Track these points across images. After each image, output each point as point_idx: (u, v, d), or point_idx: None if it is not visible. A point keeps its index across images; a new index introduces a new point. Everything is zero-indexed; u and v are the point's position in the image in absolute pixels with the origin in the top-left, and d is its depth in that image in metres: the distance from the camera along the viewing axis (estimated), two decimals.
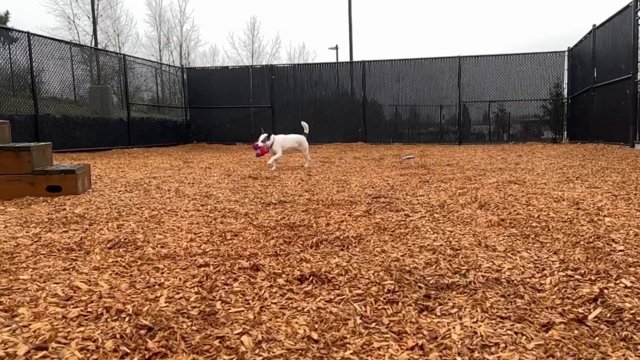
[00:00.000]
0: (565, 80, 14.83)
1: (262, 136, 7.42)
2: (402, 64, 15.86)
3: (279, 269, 2.26)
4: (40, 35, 11.75)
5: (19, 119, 10.62)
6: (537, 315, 1.71)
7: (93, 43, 24.37)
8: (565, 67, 14.69)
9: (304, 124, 8.34)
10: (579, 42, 13.65)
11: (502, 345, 1.48)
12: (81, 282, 2.07)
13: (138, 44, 36.34)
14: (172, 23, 36.90)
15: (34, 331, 1.58)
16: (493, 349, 1.46)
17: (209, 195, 4.64)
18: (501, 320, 1.67)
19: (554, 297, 1.89)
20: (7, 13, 31.19)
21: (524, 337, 1.54)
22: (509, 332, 1.57)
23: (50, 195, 4.50)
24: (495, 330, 1.59)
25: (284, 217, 3.55)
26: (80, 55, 14.20)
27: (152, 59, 27.66)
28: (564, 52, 14.66)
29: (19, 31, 11.18)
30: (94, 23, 22.48)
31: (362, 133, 16.21)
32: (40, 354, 1.43)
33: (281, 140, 7.67)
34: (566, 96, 14.96)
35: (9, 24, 27.91)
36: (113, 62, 15.58)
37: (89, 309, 1.76)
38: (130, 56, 15.74)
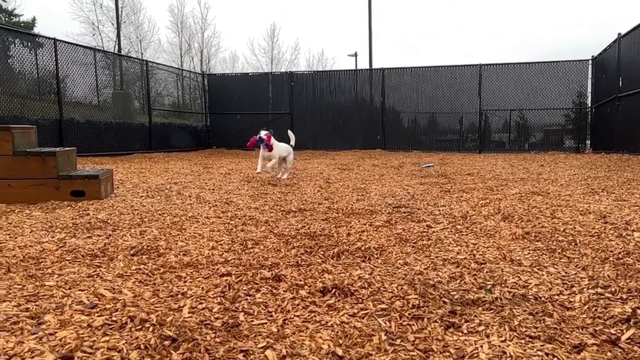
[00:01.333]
0: (589, 89, 14.57)
1: (264, 132, 6.70)
2: (422, 72, 15.79)
3: (300, 280, 2.24)
4: (66, 42, 12.01)
5: (44, 123, 10.84)
6: (567, 336, 1.66)
7: (116, 49, 24.83)
8: (589, 75, 14.43)
9: (291, 134, 7.64)
10: (603, 50, 13.42)
11: None
12: (105, 289, 2.08)
13: (160, 50, 36.82)
14: (193, 29, 37.38)
15: (60, 339, 1.59)
16: None
17: (229, 202, 4.65)
18: (530, 340, 1.63)
19: (584, 316, 1.83)
20: (33, 19, 32.04)
21: (555, 359, 1.49)
22: (539, 352, 1.53)
23: (74, 199, 4.57)
24: (524, 350, 1.54)
25: (304, 226, 3.54)
26: (103, 61, 14.49)
27: (174, 65, 28.09)
28: (588, 60, 14.41)
29: (46, 37, 11.44)
30: (118, 29, 22.90)
31: (381, 140, 16.15)
32: None
33: (281, 148, 7.03)
34: (590, 105, 14.69)
35: (35, 30, 28.62)
36: (135, 68, 15.85)
37: (114, 318, 1.77)
38: (153, 62, 15.99)
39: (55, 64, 11.39)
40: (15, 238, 3.07)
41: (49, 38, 11.38)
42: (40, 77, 11.61)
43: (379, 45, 49.68)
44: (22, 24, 29.33)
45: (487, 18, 58.78)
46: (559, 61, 14.71)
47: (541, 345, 1.58)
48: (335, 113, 16.67)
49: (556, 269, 2.44)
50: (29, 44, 11.48)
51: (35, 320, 1.75)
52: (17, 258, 2.59)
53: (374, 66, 21.57)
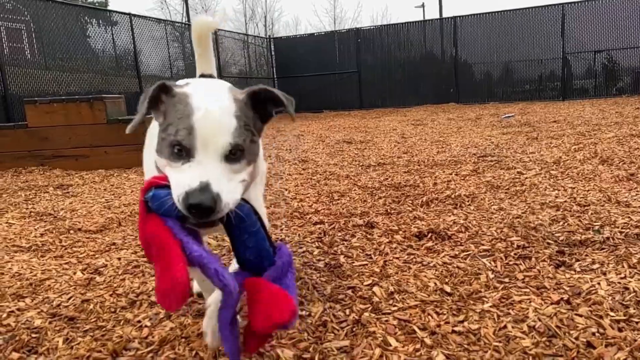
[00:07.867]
0: None
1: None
2: (497, 17, 14.80)
3: (394, 226, 2.24)
4: (140, 15, 12.47)
5: (126, 96, 11.43)
6: None
7: (184, 20, 25.46)
8: None
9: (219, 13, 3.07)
10: None
11: None
12: None
13: (224, 18, 37.34)
14: None
15: None
16: None
17: (307, 160, 4.71)
18: None
19: None
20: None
21: None
22: None
23: None
24: None
25: (387, 178, 3.51)
26: (173, 34, 14.91)
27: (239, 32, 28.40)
28: None
29: (122, 13, 11.94)
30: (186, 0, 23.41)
31: (454, 93, 15.51)
32: None
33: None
34: None
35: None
36: None
37: None
38: (220, 29, 16.23)
39: (132, 39, 11.89)
40: (120, 197, 3.31)
41: (125, 14, 11.86)
42: (118, 53, 12.20)
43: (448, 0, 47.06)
44: (97, 4, 30.75)
45: None
46: None
47: None
48: (404, 68, 16.16)
49: None
50: (105, 22, 12.04)
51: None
52: (125, 214, 2.79)
53: (444, 15, 20.55)
